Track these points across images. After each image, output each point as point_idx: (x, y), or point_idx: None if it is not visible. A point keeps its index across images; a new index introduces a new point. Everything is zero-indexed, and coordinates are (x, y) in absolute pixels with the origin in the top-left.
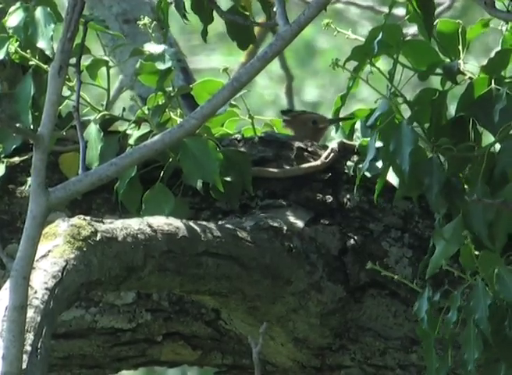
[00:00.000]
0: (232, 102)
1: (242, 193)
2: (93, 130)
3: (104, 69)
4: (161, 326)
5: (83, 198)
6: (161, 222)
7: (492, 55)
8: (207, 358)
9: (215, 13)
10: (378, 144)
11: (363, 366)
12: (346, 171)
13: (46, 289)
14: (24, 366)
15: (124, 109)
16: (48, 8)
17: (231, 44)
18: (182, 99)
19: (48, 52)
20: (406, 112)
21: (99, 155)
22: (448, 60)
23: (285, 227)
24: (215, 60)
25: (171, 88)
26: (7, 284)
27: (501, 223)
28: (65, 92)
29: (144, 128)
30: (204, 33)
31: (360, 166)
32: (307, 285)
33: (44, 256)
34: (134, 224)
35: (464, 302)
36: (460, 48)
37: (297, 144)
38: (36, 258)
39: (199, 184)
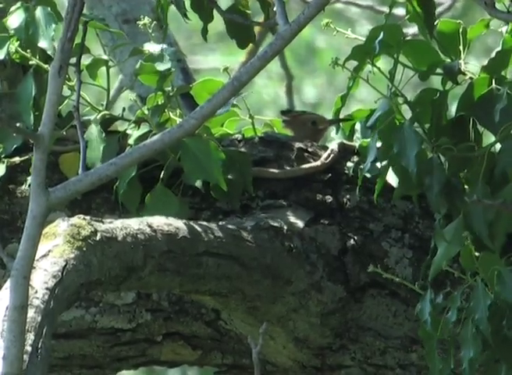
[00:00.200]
0: (233, 102)
1: (242, 193)
2: (94, 130)
3: (104, 68)
4: (161, 326)
5: (83, 197)
6: (161, 222)
7: (493, 55)
8: (207, 358)
9: (215, 12)
10: (379, 144)
11: (363, 365)
12: (346, 172)
13: (46, 289)
14: (25, 366)
15: (124, 109)
16: (49, 8)
17: (231, 43)
18: (181, 99)
19: (49, 52)
20: (406, 112)
21: (102, 156)
22: (448, 60)
23: (285, 227)
24: (215, 60)
25: (170, 88)
26: (7, 284)
27: (501, 222)
28: (66, 92)
29: (144, 128)
30: (204, 32)
31: (361, 167)
32: (307, 285)
33: (44, 256)
34: (134, 224)
35: (464, 303)
36: (461, 48)
37: (298, 144)
38: (36, 257)
39: (199, 184)
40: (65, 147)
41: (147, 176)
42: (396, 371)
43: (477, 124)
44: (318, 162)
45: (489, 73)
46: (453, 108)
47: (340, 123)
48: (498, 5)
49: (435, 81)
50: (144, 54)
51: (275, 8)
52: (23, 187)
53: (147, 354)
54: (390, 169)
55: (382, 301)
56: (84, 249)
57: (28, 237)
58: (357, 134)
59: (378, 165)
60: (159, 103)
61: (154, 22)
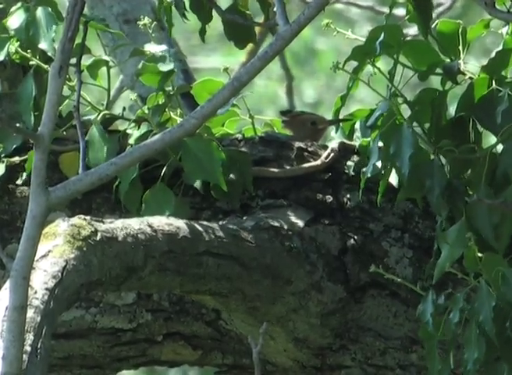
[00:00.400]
0: (233, 102)
1: (242, 193)
2: (96, 131)
3: (104, 69)
4: (161, 326)
5: (83, 197)
6: (161, 222)
7: (493, 55)
8: (207, 358)
9: (214, 13)
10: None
11: (363, 365)
12: (346, 171)
13: (46, 289)
14: (24, 366)
15: (124, 109)
16: (49, 9)
17: (230, 44)
18: (182, 99)
19: (49, 53)
20: (406, 112)
21: (106, 157)
22: (448, 60)
23: (285, 227)
24: (215, 60)
25: (171, 88)
26: (7, 284)
27: (505, 224)
28: (66, 92)
29: (144, 128)
30: (203, 32)
31: (364, 169)
32: (307, 285)
33: (44, 256)
34: (134, 224)
35: (466, 304)
36: (461, 48)
37: (297, 144)
38: (36, 258)
39: (198, 184)
40: (65, 146)
41: (148, 177)
42: (396, 371)
43: (477, 124)
44: (318, 162)
45: (489, 73)
46: (452, 109)
47: (340, 123)
48: (498, 5)
49: (435, 82)
50: (145, 54)
51: (275, 9)
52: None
53: (148, 354)
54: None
55: (383, 302)
56: (84, 249)
57: (28, 237)
58: (357, 134)
59: (379, 164)
60: (160, 103)
61: (155, 22)
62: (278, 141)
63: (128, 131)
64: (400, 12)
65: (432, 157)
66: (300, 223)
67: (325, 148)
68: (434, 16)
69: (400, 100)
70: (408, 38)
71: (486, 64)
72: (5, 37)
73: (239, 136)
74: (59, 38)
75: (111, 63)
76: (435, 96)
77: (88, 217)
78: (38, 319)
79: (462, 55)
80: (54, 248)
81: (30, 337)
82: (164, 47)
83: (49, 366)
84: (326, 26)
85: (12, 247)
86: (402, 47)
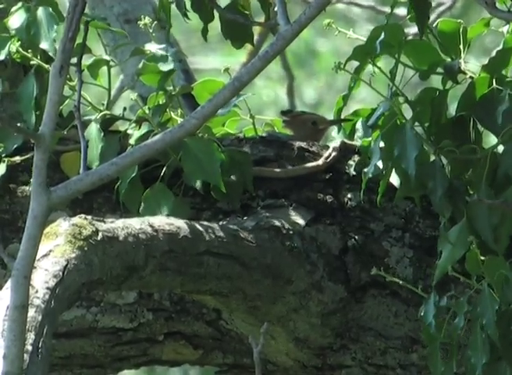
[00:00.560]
0: (235, 103)
1: (243, 193)
2: (93, 129)
3: (105, 68)
4: (162, 325)
5: (84, 197)
6: (162, 222)
7: (493, 54)
8: (208, 358)
9: (215, 13)
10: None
11: (364, 365)
12: (347, 171)
13: (47, 288)
14: (25, 365)
15: (125, 109)
16: (50, 9)
17: (230, 44)
18: (182, 99)
19: (50, 53)
20: (406, 111)
21: (100, 155)
22: (449, 59)
23: (286, 227)
24: (215, 60)
25: (171, 88)
26: (8, 284)
27: (505, 225)
28: (67, 92)
29: (145, 128)
30: (205, 32)
31: (365, 170)
32: (307, 285)
33: (45, 256)
34: (135, 224)
35: (470, 307)
36: (461, 47)
37: (298, 144)
38: (37, 257)
39: (198, 184)
40: (66, 146)
41: (148, 177)
42: (396, 371)
43: (477, 124)
44: (319, 162)
45: (490, 72)
46: (452, 108)
47: (341, 123)
48: (499, 5)
49: (435, 82)
50: (146, 54)
51: (275, 9)
52: (28, 188)
53: (149, 353)
54: (393, 170)
55: (383, 301)
56: (85, 249)
57: (29, 236)
58: (358, 133)
59: (380, 164)
60: (160, 103)
61: (155, 22)
62: (279, 141)
63: (129, 131)
64: (401, 11)
65: (433, 158)
66: (301, 223)
67: (326, 147)
68: (435, 15)
69: (401, 99)
70: (409, 38)
71: (487, 63)
72: (6, 36)
73: (239, 136)
74: (60, 38)
75: (111, 63)
76: (435, 95)
77: (89, 217)
78: (39, 318)
79: (463, 55)
80: (55, 248)
81: (31, 337)
82: (164, 46)
83: (50, 366)
84: (328, 25)
85: (14, 246)
86: (403, 46)
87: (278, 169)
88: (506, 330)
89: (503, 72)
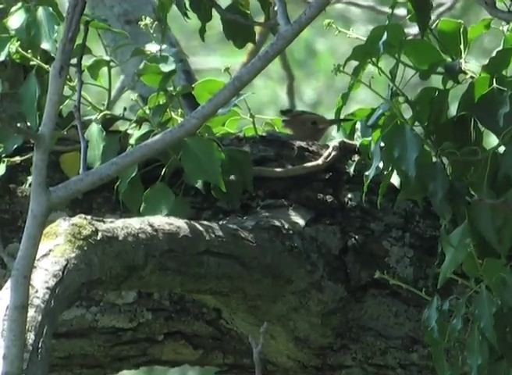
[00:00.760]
0: (235, 102)
1: (243, 193)
2: (95, 129)
3: (105, 69)
4: (162, 325)
5: (84, 197)
6: (162, 221)
7: (494, 54)
8: (208, 358)
9: (214, 13)
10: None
11: (364, 365)
12: (347, 171)
13: (47, 288)
14: (25, 365)
15: (125, 109)
16: (50, 9)
17: (231, 44)
18: (183, 99)
19: (52, 53)
20: (406, 111)
21: (101, 155)
22: (449, 59)
23: (286, 227)
24: (215, 61)
25: (172, 88)
26: (8, 283)
27: (508, 226)
28: (67, 92)
29: (145, 128)
30: (202, 32)
31: (367, 173)
32: (307, 284)
33: (45, 255)
34: (135, 223)
35: (469, 308)
36: (462, 47)
37: (298, 143)
38: (37, 257)
39: (199, 184)
40: (66, 146)
41: (148, 176)
42: (397, 371)
43: (478, 124)
44: (319, 161)
45: (490, 72)
46: (453, 108)
47: (341, 123)
48: (498, 5)
49: (435, 82)
50: (146, 54)
51: (275, 8)
52: (24, 186)
53: (148, 353)
54: (394, 171)
55: (383, 301)
56: (85, 248)
57: (29, 236)
58: (358, 133)
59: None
60: (161, 103)
61: (156, 22)
62: (279, 141)
63: (129, 131)
64: (401, 11)
65: (434, 159)
66: (301, 223)
67: (326, 147)
68: (435, 16)
69: (401, 99)
70: (409, 38)
71: (487, 63)
72: (6, 37)
73: (239, 135)
74: (60, 38)
75: (112, 63)
76: (435, 95)
77: (89, 217)
78: (39, 318)
79: (463, 55)
80: (55, 248)
81: (31, 337)
82: (165, 46)
83: (50, 366)
84: (328, 25)
85: (13, 246)
86: (403, 46)
87: (278, 169)
88: (504, 332)
89: (504, 72)
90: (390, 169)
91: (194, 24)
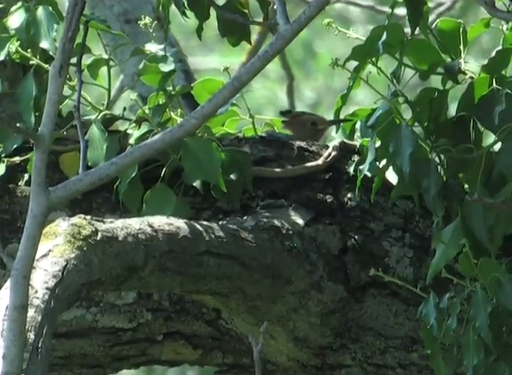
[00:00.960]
0: (233, 101)
1: (243, 193)
2: (96, 130)
3: (105, 68)
4: (161, 325)
5: (84, 197)
6: (162, 222)
7: (493, 54)
8: (207, 358)
9: (213, 13)
10: (378, 144)
11: (363, 365)
12: (347, 171)
13: (47, 288)
14: (25, 365)
15: (125, 109)
16: (50, 8)
17: (229, 44)
18: (182, 99)
19: (51, 53)
20: (406, 111)
21: (104, 155)
22: (449, 59)
23: (285, 227)
24: (213, 61)
25: (171, 88)
26: (7, 284)
27: (499, 225)
28: (66, 92)
29: (145, 127)
30: (200, 30)
31: (361, 167)
32: (307, 285)
33: (44, 256)
34: (135, 224)
35: (465, 307)
36: (461, 47)
37: (298, 143)
38: (36, 257)
39: (198, 184)
40: (65, 146)
41: (148, 176)
42: (396, 371)
43: (477, 124)
44: (319, 161)
45: (489, 72)
46: (452, 108)
47: (340, 123)
48: (498, 5)
49: (434, 82)
50: (146, 54)
51: (275, 7)
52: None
53: (148, 353)
54: (391, 169)
55: (383, 301)
56: (85, 249)
57: (28, 236)
58: (358, 133)
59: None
60: (160, 103)
61: (155, 22)
62: (278, 141)
63: (128, 131)
64: (401, 11)
65: (430, 156)
66: (301, 223)
67: (326, 147)
68: (434, 15)
69: (400, 100)
70: (409, 37)
71: (486, 63)
72: (6, 36)
73: (239, 136)
74: (60, 38)
75: (111, 63)
76: (435, 95)
77: (88, 217)
78: (39, 318)
79: (463, 55)
80: (54, 248)
81: (30, 337)
82: (164, 46)
83: (50, 366)
84: (328, 25)
85: (13, 246)
86: (405, 46)
87: (277, 169)
88: (500, 332)
89: (503, 72)
90: (385, 164)
91: (193, 24)
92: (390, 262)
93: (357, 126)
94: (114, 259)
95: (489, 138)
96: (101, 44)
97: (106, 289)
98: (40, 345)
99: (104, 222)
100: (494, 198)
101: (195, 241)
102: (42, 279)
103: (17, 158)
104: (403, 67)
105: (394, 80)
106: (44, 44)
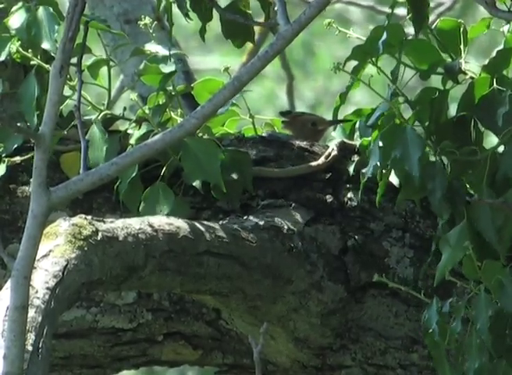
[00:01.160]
0: (233, 101)
1: (243, 193)
2: (96, 131)
3: (105, 68)
4: (161, 325)
5: (84, 197)
6: (162, 221)
7: (494, 54)
8: (207, 358)
9: (214, 13)
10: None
11: (364, 365)
12: (347, 171)
13: (47, 289)
14: (25, 365)
15: (125, 109)
16: (50, 8)
17: (228, 45)
18: (182, 99)
19: (52, 53)
20: (406, 111)
21: (104, 156)
22: (449, 59)
23: (285, 227)
24: (213, 61)
25: (171, 88)
26: (8, 284)
27: (508, 226)
28: (67, 92)
29: (145, 128)
30: (203, 31)
31: (363, 170)
32: (307, 285)
33: (45, 256)
34: (135, 224)
35: (468, 310)
36: (462, 47)
37: (298, 143)
38: (37, 257)
39: (198, 184)
40: (66, 146)
41: (148, 176)
42: (396, 371)
43: (478, 124)
44: (319, 161)
45: (490, 72)
46: (453, 108)
47: (340, 123)
48: (498, 5)
49: (434, 82)
50: (146, 54)
51: (275, 8)
52: (27, 187)
53: (148, 354)
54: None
55: (383, 302)
56: (85, 249)
57: (29, 236)
58: (358, 133)
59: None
60: (160, 103)
61: (155, 22)
62: (279, 141)
63: (129, 131)
64: (401, 11)
65: (433, 158)
66: (301, 223)
67: (326, 147)
68: (434, 15)
69: (400, 99)
70: (409, 37)
71: (487, 63)
72: (6, 36)
73: (239, 136)
74: (61, 38)
75: (111, 63)
76: (435, 95)
77: (89, 217)
78: (39, 318)
79: (463, 54)
80: (55, 248)
81: (31, 337)
82: (165, 47)
83: (50, 366)
84: (328, 25)
85: (14, 246)
86: (404, 46)
87: (278, 169)
88: (503, 335)
89: (504, 72)
90: (388, 168)
91: (192, 25)
92: (390, 262)
93: (357, 126)
94: (114, 259)
95: (490, 138)
96: (101, 45)
97: (106, 289)
98: (40, 346)
99: (104, 222)
100: (499, 199)
101: (195, 241)
102: (43, 279)
103: (18, 158)
104: (403, 67)
105: (395, 81)
106: (45, 45)
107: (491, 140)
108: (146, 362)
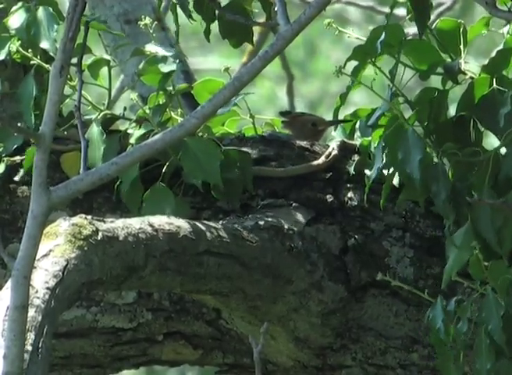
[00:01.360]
0: (235, 102)
1: (243, 192)
2: (95, 130)
3: (105, 68)
4: (162, 325)
5: (84, 197)
6: (162, 221)
7: (493, 54)
8: (208, 358)
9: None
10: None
11: (364, 365)
12: (348, 170)
13: (47, 288)
14: (25, 365)
15: (125, 109)
16: (50, 8)
17: (229, 45)
18: (182, 99)
19: (51, 53)
20: (406, 112)
21: (102, 156)
22: (449, 59)
23: (286, 227)
24: (213, 61)
25: (171, 88)
26: (8, 284)
27: (508, 227)
28: (67, 91)
29: (145, 127)
30: (207, 32)
31: (368, 173)
32: (307, 284)
33: (45, 255)
34: (135, 223)
35: (475, 311)
36: (462, 47)
37: (298, 143)
38: (37, 257)
39: (199, 183)
40: (66, 146)
41: (148, 176)
42: (396, 371)
43: (477, 124)
44: (319, 161)
45: (490, 72)
46: (452, 108)
47: (340, 123)
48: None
49: (434, 82)
50: (146, 54)
51: (276, 8)
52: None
53: (148, 353)
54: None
55: (383, 301)
56: (85, 249)
57: (29, 236)
58: (358, 133)
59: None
60: (160, 103)
61: (155, 22)
62: (279, 141)
63: (129, 131)
64: (401, 11)
65: (436, 160)
66: (301, 223)
67: (326, 147)
68: (434, 15)
69: (400, 100)
70: (409, 38)
71: (487, 63)
72: (6, 36)
73: (240, 135)
74: (61, 38)
75: (112, 63)
76: (435, 95)
77: (89, 217)
78: (39, 318)
79: (463, 54)
80: (55, 248)
81: (31, 337)
82: (165, 47)
83: (50, 365)
84: (328, 25)
85: (14, 246)
86: (403, 46)
87: (278, 169)
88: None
89: (504, 72)
90: (393, 170)
91: (192, 25)
92: (390, 262)
93: (357, 126)
94: (114, 259)
95: (489, 138)
96: (101, 45)
97: (106, 289)
98: (40, 345)
99: (104, 222)
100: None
101: (195, 241)
102: (43, 279)
103: (18, 158)
104: (403, 67)
105: (393, 80)
106: (45, 45)
107: (490, 140)
108: (146, 361)
